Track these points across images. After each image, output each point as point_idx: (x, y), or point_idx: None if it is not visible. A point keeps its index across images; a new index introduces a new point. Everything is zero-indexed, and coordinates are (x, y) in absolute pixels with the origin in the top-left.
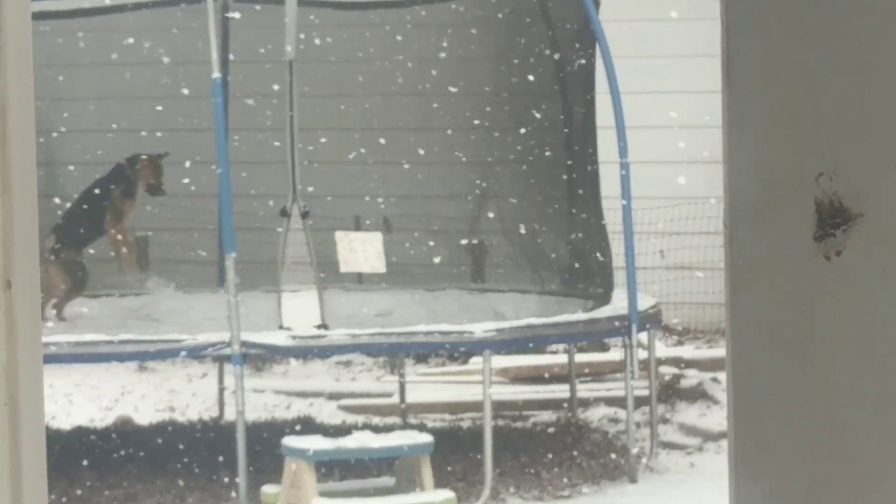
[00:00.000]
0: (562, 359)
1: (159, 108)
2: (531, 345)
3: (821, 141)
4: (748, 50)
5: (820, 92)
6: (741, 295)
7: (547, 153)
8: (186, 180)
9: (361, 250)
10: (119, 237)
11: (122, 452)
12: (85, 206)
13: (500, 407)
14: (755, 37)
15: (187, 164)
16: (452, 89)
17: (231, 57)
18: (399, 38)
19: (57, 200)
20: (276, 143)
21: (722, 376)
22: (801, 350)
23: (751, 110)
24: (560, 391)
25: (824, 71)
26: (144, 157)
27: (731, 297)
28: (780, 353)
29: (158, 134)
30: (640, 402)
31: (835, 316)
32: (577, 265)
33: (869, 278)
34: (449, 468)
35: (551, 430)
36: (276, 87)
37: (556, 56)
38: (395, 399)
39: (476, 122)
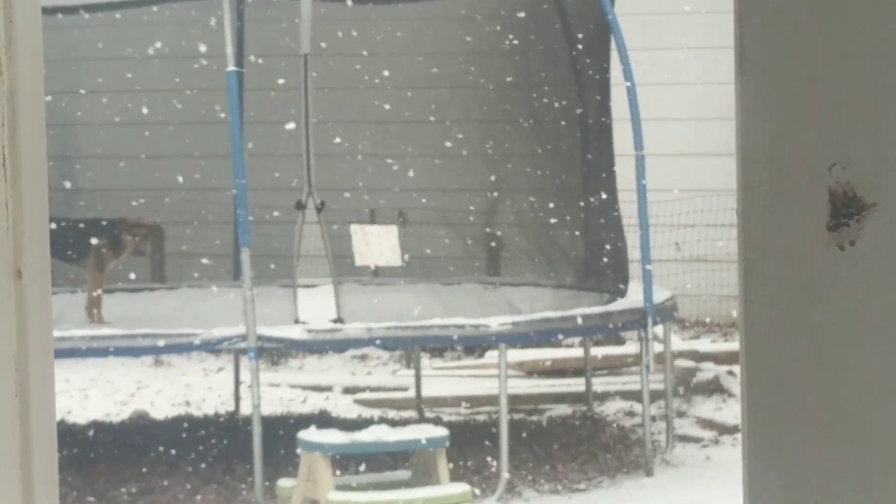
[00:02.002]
0: (577, 352)
1: (175, 101)
2: (546, 338)
3: (834, 130)
4: (761, 40)
5: (833, 81)
6: (754, 285)
7: (562, 146)
8: (202, 174)
9: (377, 244)
10: (95, 291)
11: (138, 447)
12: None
13: (515, 400)
14: (768, 27)
15: (202, 157)
16: (468, 83)
17: (246, 50)
18: (414, 31)
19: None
20: (292, 137)
21: (738, 369)
22: (815, 340)
23: (763, 101)
24: (576, 385)
25: (837, 60)
26: (134, 224)
27: (744, 288)
28: (794, 344)
29: (173, 127)
30: (656, 395)
31: (849, 306)
32: (592, 258)
33: (883, 268)
34: (465, 462)
35: (567, 423)
36: (291, 80)
37: (572, 49)
38: (411, 393)
39: (491, 115)
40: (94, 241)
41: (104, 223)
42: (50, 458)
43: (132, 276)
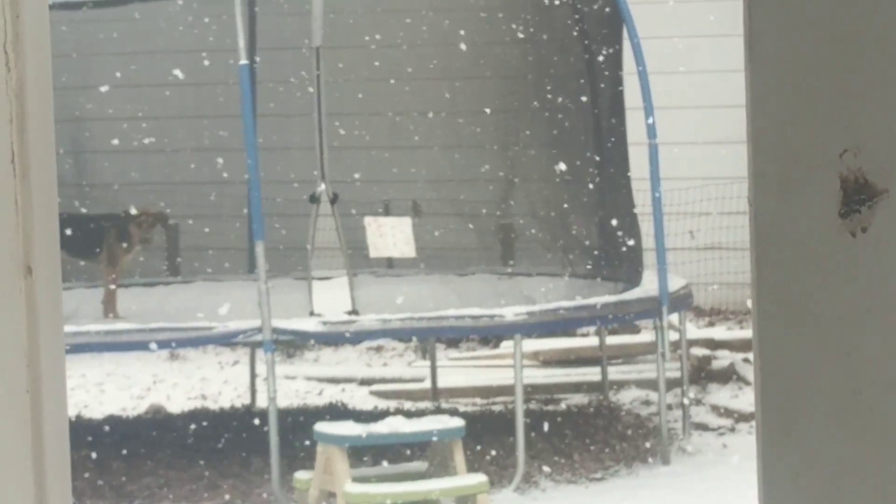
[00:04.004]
0: (593, 341)
1: (187, 95)
2: (562, 328)
3: (844, 117)
4: (770, 26)
5: (843, 68)
6: (767, 273)
7: (575, 135)
8: (215, 167)
9: (391, 235)
10: (110, 285)
11: (155, 441)
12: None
13: (531, 390)
14: (777, 13)
15: (215, 151)
16: (481, 73)
17: (258, 44)
18: (426, 21)
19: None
20: (305, 129)
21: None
22: (827, 327)
23: (773, 87)
24: (591, 374)
25: (847, 46)
26: (139, 214)
27: (756, 276)
28: (807, 331)
29: (185, 121)
30: (672, 383)
31: (861, 292)
32: (606, 247)
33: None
34: (481, 452)
35: (583, 412)
36: (303, 73)
37: (584, 38)
38: (427, 384)
39: (504, 105)
40: (103, 235)
41: (112, 217)
42: (62, 454)
43: (147, 270)
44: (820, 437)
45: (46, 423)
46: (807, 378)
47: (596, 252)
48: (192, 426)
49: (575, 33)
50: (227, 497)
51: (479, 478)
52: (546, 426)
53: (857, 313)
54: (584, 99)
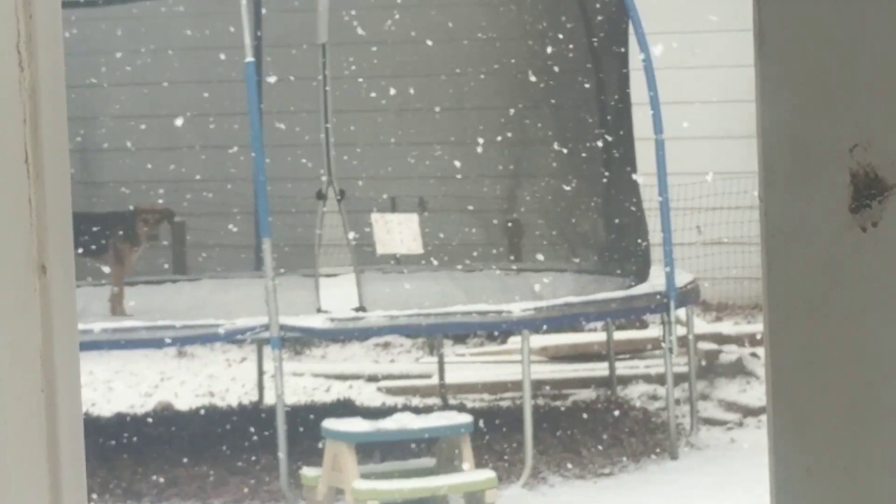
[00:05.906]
0: (600, 337)
1: (194, 93)
2: (569, 323)
3: (854, 112)
4: (780, 21)
5: (853, 62)
6: (777, 268)
7: (582, 131)
8: (222, 165)
9: (398, 232)
10: (117, 283)
11: (163, 438)
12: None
13: (539, 386)
14: (787, 7)
15: (222, 149)
16: (486, 68)
17: (264, 41)
18: (432, 18)
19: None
20: (311, 126)
21: (761, 351)
22: (838, 322)
23: (783, 82)
24: (599, 369)
25: (857, 41)
26: (146, 211)
27: (767, 271)
28: (818, 325)
29: (192, 119)
30: (680, 378)
31: (872, 287)
32: (613, 242)
33: None
34: (489, 448)
35: (591, 408)
36: (309, 70)
37: (590, 33)
38: (435, 380)
39: (510, 101)
40: (111, 233)
41: (120, 215)
42: (77, 451)
43: (154, 268)
44: (832, 430)
45: (61, 421)
46: (818, 372)
47: (603, 247)
48: (200, 423)
49: (581, 29)
50: (235, 494)
51: (488, 474)
52: (554, 422)
53: (868, 307)
54: (590, 94)
